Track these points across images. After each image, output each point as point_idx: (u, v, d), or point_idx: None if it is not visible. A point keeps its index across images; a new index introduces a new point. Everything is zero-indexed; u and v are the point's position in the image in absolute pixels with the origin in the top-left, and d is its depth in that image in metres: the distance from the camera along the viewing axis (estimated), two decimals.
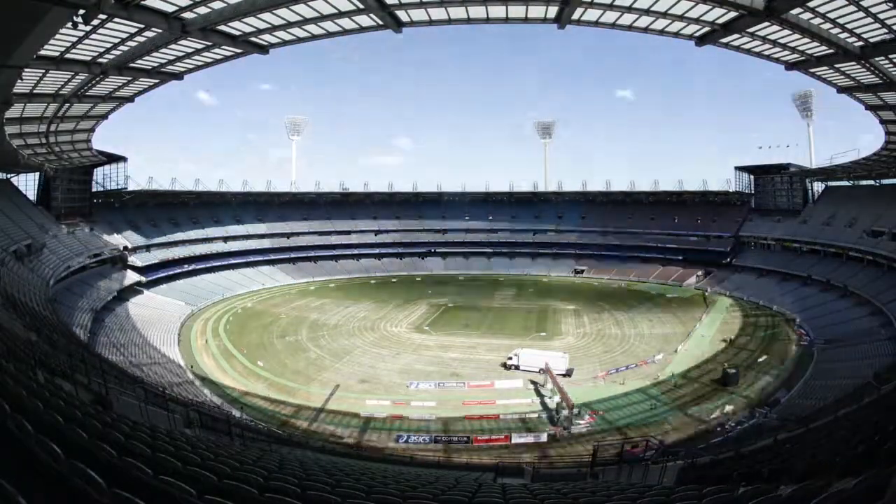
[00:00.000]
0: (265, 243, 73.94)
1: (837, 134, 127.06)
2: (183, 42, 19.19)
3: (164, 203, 70.20)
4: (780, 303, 52.44)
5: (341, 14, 17.95)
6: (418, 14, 18.60)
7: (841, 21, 16.95)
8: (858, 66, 21.41)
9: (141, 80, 24.24)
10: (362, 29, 19.55)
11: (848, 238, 54.75)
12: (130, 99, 27.84)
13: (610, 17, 18.63)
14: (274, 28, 18.87)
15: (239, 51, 21.16)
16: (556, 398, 29.32)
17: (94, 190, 60.57)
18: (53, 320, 26.97)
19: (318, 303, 57.20)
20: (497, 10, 18.52)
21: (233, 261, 68.25)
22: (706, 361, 36.91)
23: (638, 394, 31.31)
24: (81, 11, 11.76)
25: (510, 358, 36.14)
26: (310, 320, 49.15)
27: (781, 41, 19.55)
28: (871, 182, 59.67)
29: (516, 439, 26.10)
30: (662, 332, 43.14)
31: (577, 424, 27.36)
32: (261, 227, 75.65)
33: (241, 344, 41.40)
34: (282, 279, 68.78)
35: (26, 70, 17.86)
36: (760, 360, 36.95)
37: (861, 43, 18.69)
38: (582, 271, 75.31)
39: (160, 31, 17.54)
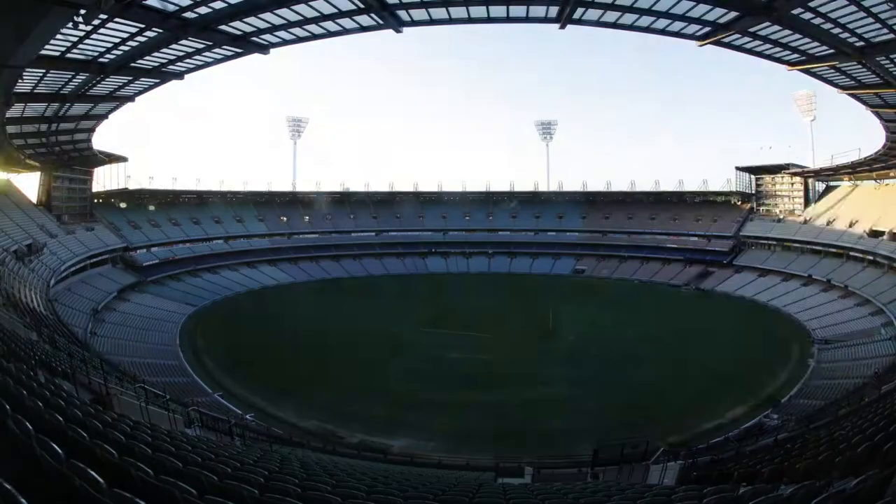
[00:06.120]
0: (266, 243, 73.93)
1: (838, 134, 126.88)
2: (184, 42, 19.18)
3: (165, 203, 70.27)
4: (780, 303, 52.43)
5: (342, 14, 17.93)
6: (419, 14, 18.58)
7: (842, 21, 16.92)
8: (859, 66, 21.41)
9: (142, 79, 24.26)
10: (363, 28, 19.55)
11: (848, 238, 54.72)
12: (131, 98, 27.86)
13: (611, 16, 18.60)
14: (275, 28, 18.86)
15: (240, 50, 21.16)
16: None
17: (94, 190, 60.65)
18: (53, 320, 27.01)
19: (319, 303, 57.18)
20: (498, 10, 18.50)
21: (233, 261, 68.18)
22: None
23: None
24: (82, 11, 11.75)
25: None
26: (311, 320, 49.10)
27: (782, 41, 19.53)
28: (871, 182, 59.67)
29: None
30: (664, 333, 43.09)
31: None
32: (261, 227, 75.68)
33: (243, 344, 41.39)
34: (283, 279, 68.72)
35: (27, 70, 17.88)
36: (760, 360, 36.89)
37: (862, 43, 18.67)
38: (583, 271, 75.26)
39: (161, 30, 17.55)
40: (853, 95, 26.40)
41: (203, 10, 16.43)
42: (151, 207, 67.49)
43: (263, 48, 20.87)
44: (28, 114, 26.62)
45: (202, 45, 20.00)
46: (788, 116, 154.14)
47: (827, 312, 45.99)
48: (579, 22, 19.33)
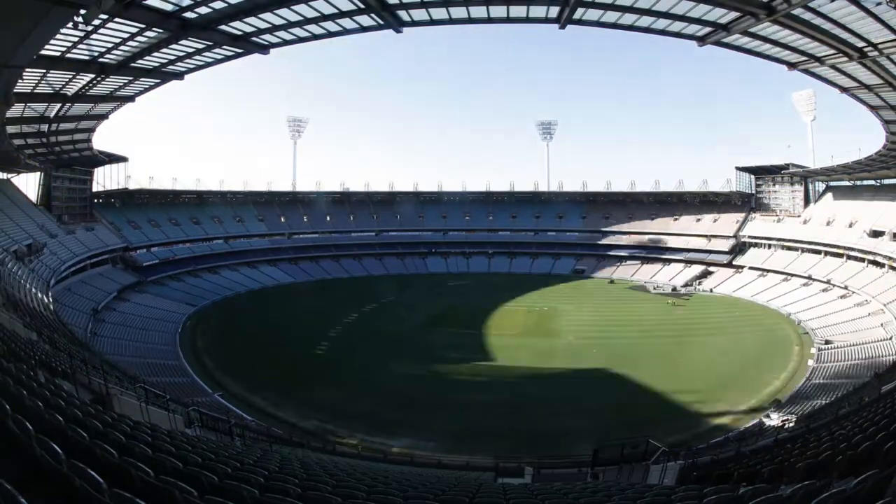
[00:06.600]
0: (266, 243, 73.97)
1: (838, 134, 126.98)
2: (184, 42, 19.20)
3: (165, 203, 70.33)
4: (780, 303, 52.41)
5: (342, 14, 17.95)
6: (419, 14, 18.59)
7: (842, 21, 16.92)
8: (860, 66, 21.39)
9: (142, 79, 24.27)
10: (363, 29, 19.56)
11: (848, 238, 54.70)
12: (131, 98, 27.87)
13: (611, 16, 18.61)
14: (275, 28, 18.87)
15: (240, 50, 21.17)
16: None
17: (94, 190, 60.67)
18: (53, 320, 27.01)
19: (319, 303, 57.18)
20: (498, 10, 18.51)
21: (233, 261, 68.21)
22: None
23: None
24: (82, 11, 11.75)
25: None
26: (312, 320, 49.09)
27: (783, 41, 19.53)
28: (871, 182, 59.62)
29: None
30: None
31: None
32: (261, 227, 75.71)
33: (243, 344, 41.40)
34: (283, 279, 68.74)
35: (27, 70, 17.88)
36: (760, 360, 36.90)
37: (862, 43, 18.66)
38: (582, 271, 75.27)
39: (161, 30, 17.55)
40: (853, 96, 26.40)
41: (203, 10, 16.44)
42: (151, 207, 67.43)
43: (263, 48, 20.88)
44: (28, 114, 26.62)
45: (202, 46, 20.01)
46: (788, 116, 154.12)
47: (826, 312, 45.97)
48: (579, 22, 19.33)
